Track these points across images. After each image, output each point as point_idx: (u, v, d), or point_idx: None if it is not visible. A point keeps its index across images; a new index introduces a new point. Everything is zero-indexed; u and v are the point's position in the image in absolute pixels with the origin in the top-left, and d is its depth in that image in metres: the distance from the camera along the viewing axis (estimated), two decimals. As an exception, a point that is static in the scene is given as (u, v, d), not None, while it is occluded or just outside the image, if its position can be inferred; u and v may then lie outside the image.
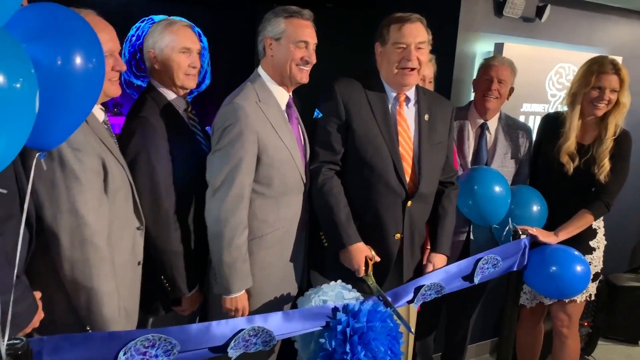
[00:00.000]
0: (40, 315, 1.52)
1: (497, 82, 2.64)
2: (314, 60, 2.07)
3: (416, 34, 2.09)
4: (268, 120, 2.02)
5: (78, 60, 1.28)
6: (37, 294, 1.54)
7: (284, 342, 1.99)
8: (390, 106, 2.19)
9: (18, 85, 1.03)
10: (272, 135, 2.03)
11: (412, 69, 2.11)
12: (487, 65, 2.70)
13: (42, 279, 1.63)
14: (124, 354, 1.48)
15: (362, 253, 2.09)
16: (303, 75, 2.07)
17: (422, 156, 2.19)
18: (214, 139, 2.01)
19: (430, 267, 2.23)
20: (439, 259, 2.26)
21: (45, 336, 1.41)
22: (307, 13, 2.05)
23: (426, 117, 2.23)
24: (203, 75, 5.74)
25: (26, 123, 1.11)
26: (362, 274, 2.09)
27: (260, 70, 2.11)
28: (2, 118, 1.02)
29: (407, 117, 2.22)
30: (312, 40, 2.06)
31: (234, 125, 1.94)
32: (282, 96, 2.11)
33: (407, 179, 2.17)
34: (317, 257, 2.29)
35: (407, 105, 2.22)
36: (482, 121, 2.73)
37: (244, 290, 2.03)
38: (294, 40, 2.01)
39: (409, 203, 2.17)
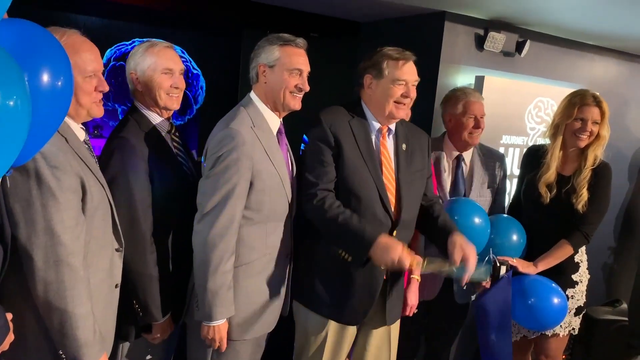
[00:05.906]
0: (10, 337, 1.46)
1: (481, 119, 2.66)
2: (307, 88, 2.08)
3: (413, 72, 2.15)
4: (262, 145, 2.01)
5: (45, 77, 1.27)
6: (9, 316, 1.48)
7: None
8: (373, 137, 2.20)
9: (12, 103, 1.03)
10: (266, 161, 2.01)
11: (405, 104, 2.15)
12: (467, 103, 2.67)
13: (13, 300, 1.57)
14: None
15: (391, 241, 1.99)
16: (296, 103, 2.08)
17: (403, 184, 2.20)
18: (208, 163, 1.97)
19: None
20: (457, 236, 2.14)
21: None
22: (301, 41, 2.07)
23: (404, 146, 2.25)
24: (195, 95, 5.81)
25: (19, 141, 1.11)
26: (410, 261, 1.96)
27: (252, 95, 2.10)
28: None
29: (388, 147, 2.24)
30: (306, 68, 2.07)
31: (230, 151, 1.92)
32: (274, 122, 2.11)
33: (392, 207, 2.17)
34: (301, 287, 2.26)
35: (388, 136, 2.25)
36: (457, 153, 2.74)
37: (225, 320, 1.98)
38: (288, 68, 2.02)
39: (395, 232, 2.16)
